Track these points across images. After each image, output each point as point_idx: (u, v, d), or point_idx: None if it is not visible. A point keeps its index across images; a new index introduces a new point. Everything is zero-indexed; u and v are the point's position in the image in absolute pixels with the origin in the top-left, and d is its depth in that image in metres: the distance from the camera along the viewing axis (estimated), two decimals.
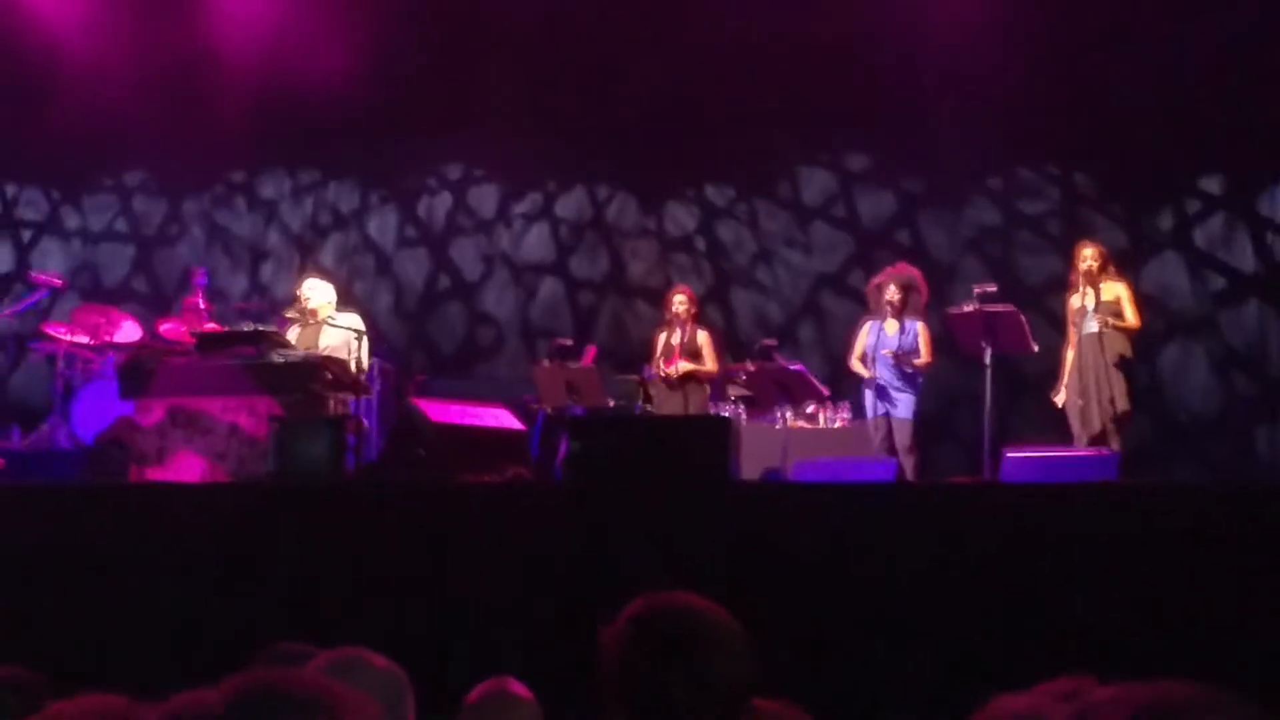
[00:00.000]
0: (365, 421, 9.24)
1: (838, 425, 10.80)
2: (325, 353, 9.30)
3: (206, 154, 13.70)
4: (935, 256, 12.56)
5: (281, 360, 8.86)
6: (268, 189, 14.20)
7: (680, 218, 13.57)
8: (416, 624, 6.44)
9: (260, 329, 9.24)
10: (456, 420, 8.90)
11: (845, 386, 10.94)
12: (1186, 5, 11.92)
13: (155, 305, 12.78)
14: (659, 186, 13.56)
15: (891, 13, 12.46)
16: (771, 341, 11.25)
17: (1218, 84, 11.80)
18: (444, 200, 13.97)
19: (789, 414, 10.43)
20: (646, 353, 10.96)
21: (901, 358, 10.07)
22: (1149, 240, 12.26)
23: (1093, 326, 9.49)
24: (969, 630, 6.46)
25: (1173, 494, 6.62)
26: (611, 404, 10.48)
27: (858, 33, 12.58)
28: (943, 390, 11.42)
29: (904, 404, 10.11)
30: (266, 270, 13.89)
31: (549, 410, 10.71)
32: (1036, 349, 9.72)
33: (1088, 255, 9.60)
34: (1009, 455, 8.51)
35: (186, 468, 8.63)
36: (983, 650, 6.25)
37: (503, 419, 9.36)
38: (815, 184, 13.27)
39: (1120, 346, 9.49)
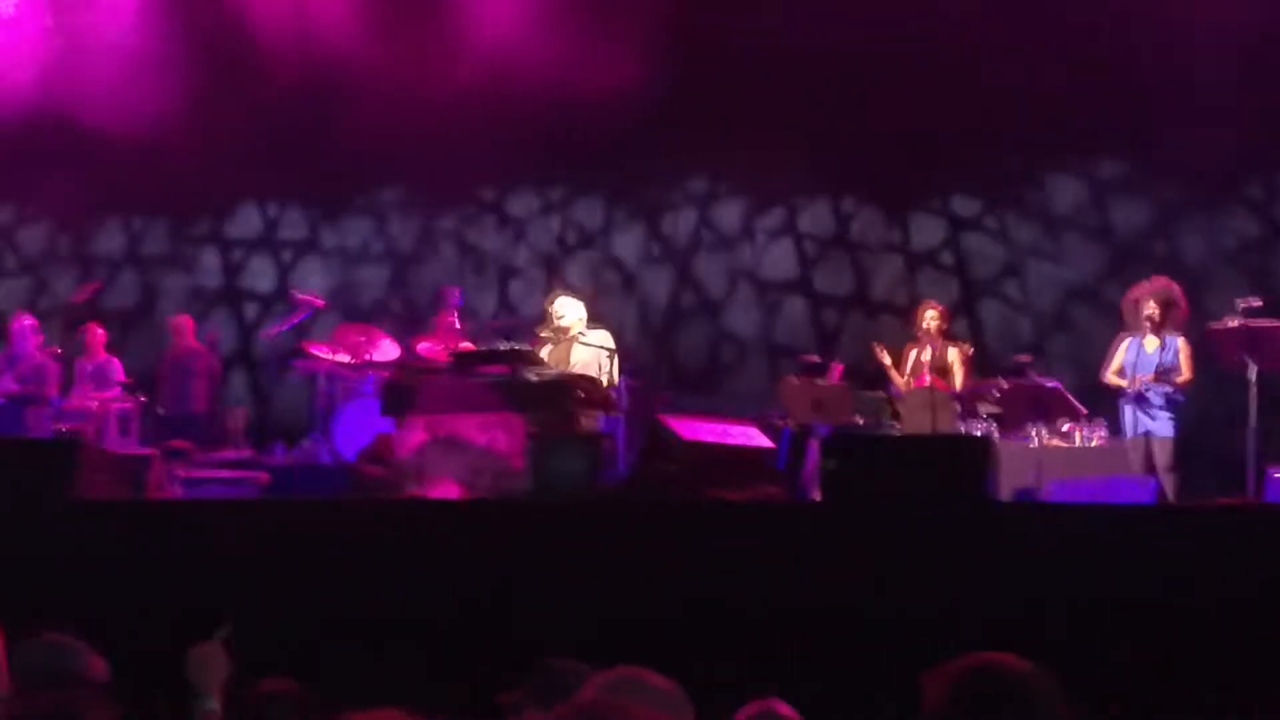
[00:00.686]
0: (615, 439, 9.33)
1: (1094, 444, 10.47)
2: (577, 370, 9.42)
3: (458, 171, 13.99)
4: (1192, 267, 12.12)
5: (536, 378, 9.00)
6: (516, 206, 14.43)
7: (927, 230, 13.36)
8: (674, 639, 6.45)
9: (515, 347, 9.40)
10: (706, 437, 8.89)
11: (1100, 404, 10.61)
12: None
13: (410, 323, 13.08)
14: (905, 198, 13.36)
15: (1146, 14, 12.07)
16: (1026, 357, 10.99)
17: None
18: (689, 216, 14.01)
19: (1043, 432, 10.16)
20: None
21: (1162, 376, 9.75)
22: None
23: None
24: (1243, 656, 6.21)
25: None
26: (859, 421, 10.37)
27: (1109, 35, 12.23)
28: (1203, 407, 10.99)
29: (1165, 422, 9.78)
30: (515, 288, 14.11)
31: (793, 427, 10.65)
32: None
33: None
34: (1275, 475, 8.17)
35: (445, 484, 8.82)
36: (1261, 676, 6.00)
37: (752, 436, 9.33)
38: (1066, 192, 12.93)
39: None
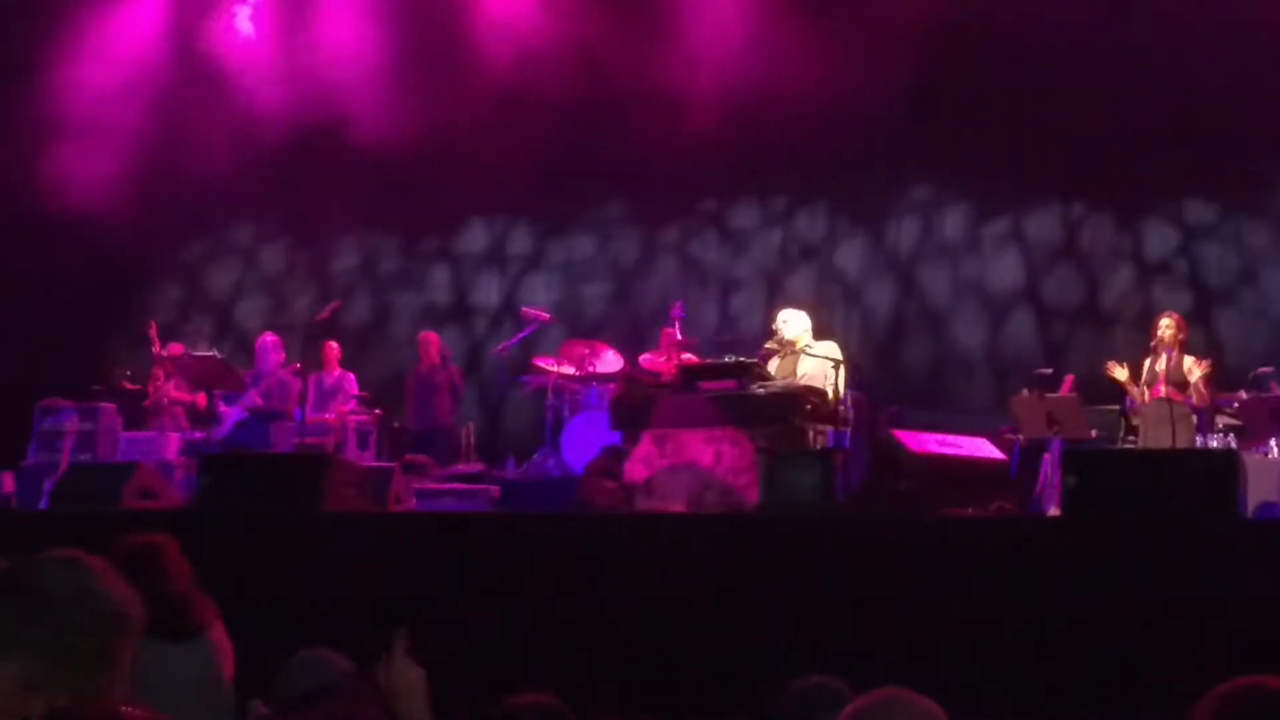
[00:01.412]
0: (844, 453, 9.26)
1: None
2: (804, 382, 9.38)
3: (680, 185, 14.09)
4: None
5: (763, 391, 9.00)
6: (738, 218, 14.45)
7: (1159, 237, 12.98)
8: (915, 655, 6.38)
9: (741, 361, 9.41)
10: (937, 450, 8.77)
11: None
12: None
13: (632, 337, 13.19)
14: (1136, 203, 13.00)
15: None
16: (1268, 369, 10.60)
17: None
18: (911, 225, 13.84)
19: None
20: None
21: None
22: None
23: None
24: None
25: None
26: (1093, 435, 10.12)
27: None
28: None
29: None
30: (736, 301, 14.12)
31: (1024, 441, 10.45)
32: None
33: None
34: None
35: (673, 497, 8.87)
36: None
37: (983, 449, 9.18)
38: None
39: None
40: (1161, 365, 10.21)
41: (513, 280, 14.84)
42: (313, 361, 12.27)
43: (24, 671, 2.37)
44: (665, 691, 6.77)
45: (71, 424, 11.80)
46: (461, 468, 11.31)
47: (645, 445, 9.13)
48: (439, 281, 15.05)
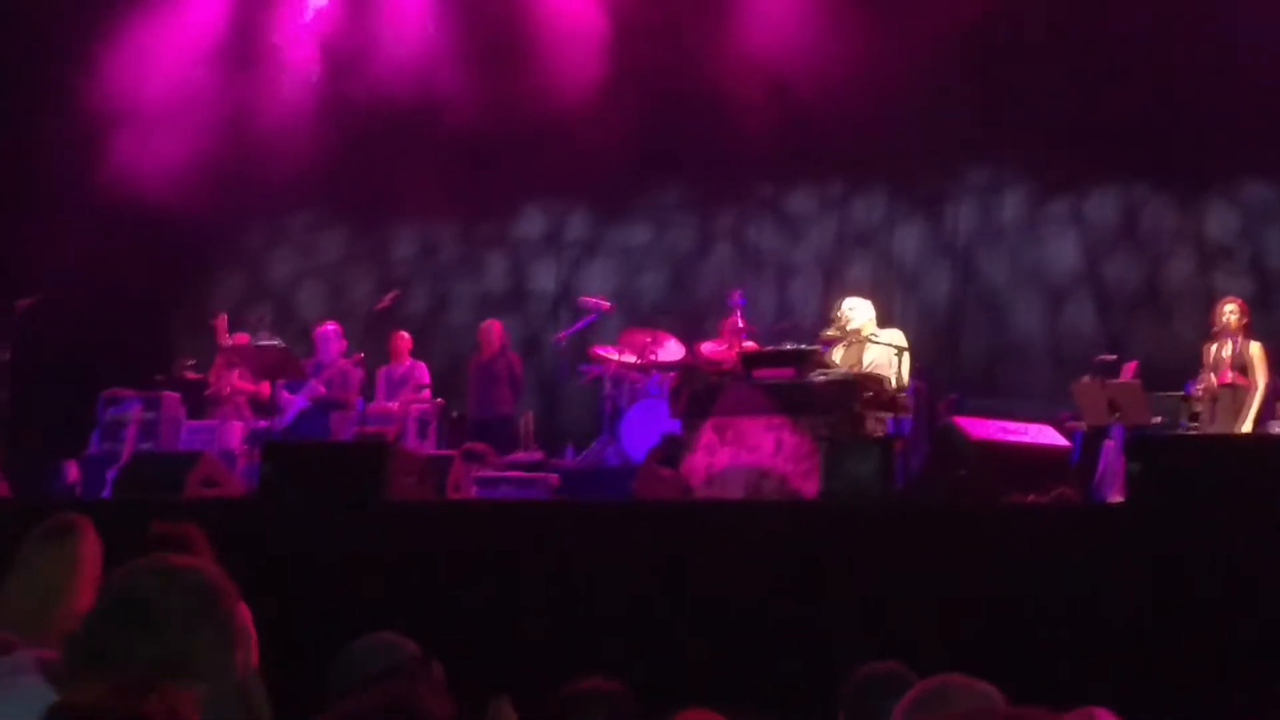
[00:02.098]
0: (905, 440, 9.22)
1: None
2: (870, 370, 9.34)
3: (736, 170, 14.06)
4: None
5: (823, 379, 8.97)
6: (795, 204, 14.39)
7: (1223, 219, 12.82)
8: (978, 645, 6.35)
9: (801, 349, 9.39)
10: (997, 437, 8.72)
11: None
12: None
13: (691, 324, 13.17)
14: (1198, 185, 12.85)
15: None
16: None
17: None
18: (970, 209, 13.74)
19: None
20: (1190, 367, 10.38)
21: None
22: None
23: None
24: None
25: None
26: (1156, 421, 10.02)
27: None
28: None
29: None
30: (795, 287, 14.05)
31: (1085, 428, 10.37)
32: None
33: None
34: None
35: (733, 485, 8.86)
36: None
37: (1043, 436, 9.11)
38: None
39: None
40: (1226, 351, 10.10)
41: (570, 266, 14.85)
42: (374, 351, 12.35)
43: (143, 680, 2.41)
44: (723, 680, 6.76)
45: (135, 413, 11.94)
46: (520, 456, 11.36)
47: (705, 434, 9.12)
48: (497, 269, 15.08)
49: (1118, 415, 9.76)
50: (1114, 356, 10.90)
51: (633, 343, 11.88)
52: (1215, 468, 6.81)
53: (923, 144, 13.39)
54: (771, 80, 12.85)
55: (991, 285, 13.52)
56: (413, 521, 7.86)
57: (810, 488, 8.30)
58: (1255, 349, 10.08)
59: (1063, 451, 9.10)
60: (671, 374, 11.35)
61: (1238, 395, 9.90)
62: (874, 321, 9.77)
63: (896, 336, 9.61)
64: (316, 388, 11.87)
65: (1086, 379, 10.39)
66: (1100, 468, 10.18)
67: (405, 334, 12.49)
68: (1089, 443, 10.43)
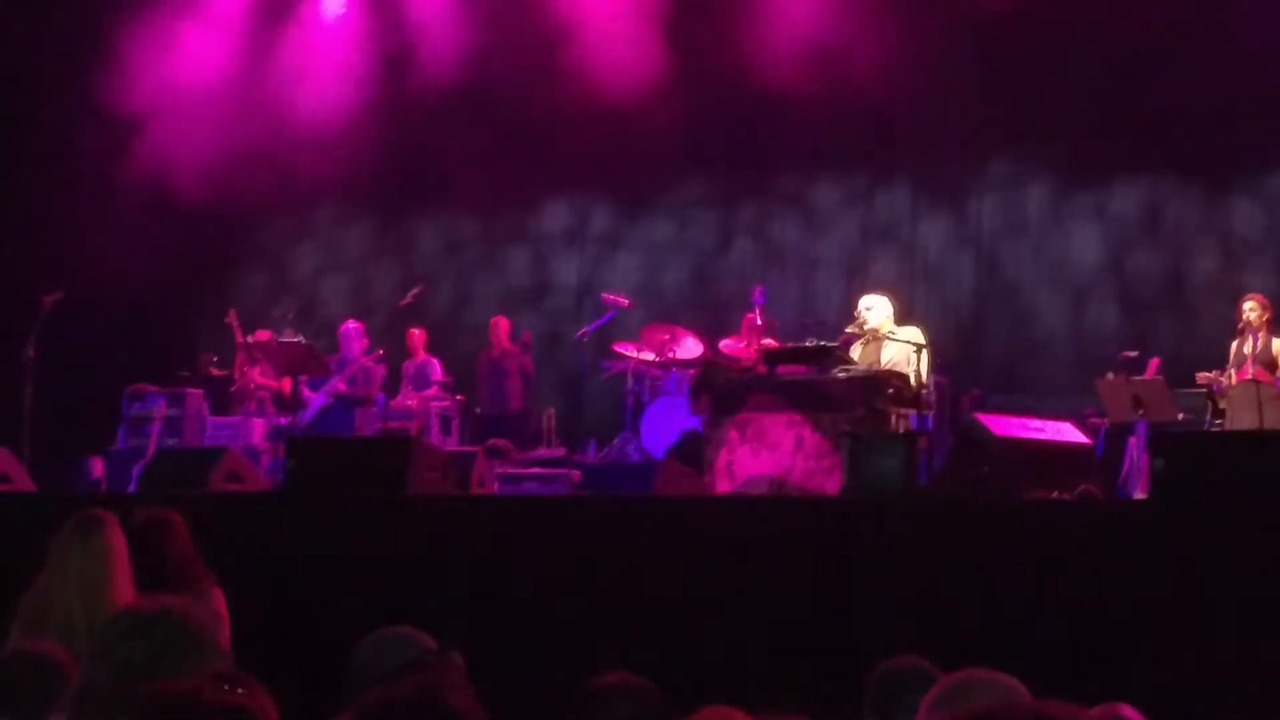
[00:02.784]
0: (928, 436, 9.20)
1: None
2: (888, 367, 9.34)
3: (758, 163, 14.05)
4: None
5: (845, 376, 8.97)
6: (818, 198, 14.36)
7: (1249, 214, 12.75)
8: (1000, 641, 6.34)
9: (822, 345, 9.39)
10: (1020, 434, 8.71)
11: None
12: None
13: (713, 320, 13.15)
14: (1224, 178, 12.78)
15: None
16: None
17: None
18: (993, 201, 13.69)
19: None
20: (1214, 363, 10.33)
21: None
22: None
23: None
24: None
25: None
26: (1180, 418, 9.99)
27: None
28: None
29: None
30: (818, 282, 14.01)
31: (1109, 425, 10.35)
32: None
33: None
34: None
35: (754, 481, 8.86)
36: None
37: (1067, 433, 9.09)
38: None
39: None
40: (1249, 347, 10.06)
41: (592, 262, 14.85)
42: (399, 347, 12.39)
43: None
44: (746, 675, 6.77)
45: (159, 409, 12.01)
46: (543, 452, 11.39)
47: (726, 431, 9.12)
48: (519, 264, 15.10)
49: (1142, 412, 9.73)
50: (1136, 353, 10.88)
51: (652, 340, 11.90)
52: (1240, 464, 6.79)
53: (947, 138, 13.37)
54: (797, 74, 12.82)
55: (1015, 280, 13.48)
56: (436, 516, 7.88)
57: (832, 485, 8.30)
58: (1278, 345, 10.05)
59: (1086, 448, 9.09)
60: (691, 371, 11.35)
61: (1262, 391, 9.87)
62: (891, 319, 9.76)
63: (914, 334, 9.60)
64: (338, 385, 11.92)
65: (1110, 375, 10.37)
66: (1125, 465, 10.15)
67: (419, 330, 12.53)
68: (1113, 439, 10.41)
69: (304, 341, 11.84)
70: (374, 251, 15.38)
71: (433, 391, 12.18)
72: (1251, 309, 10.12)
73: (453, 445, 11.30)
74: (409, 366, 12.44)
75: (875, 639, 6.47)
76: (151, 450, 11.26)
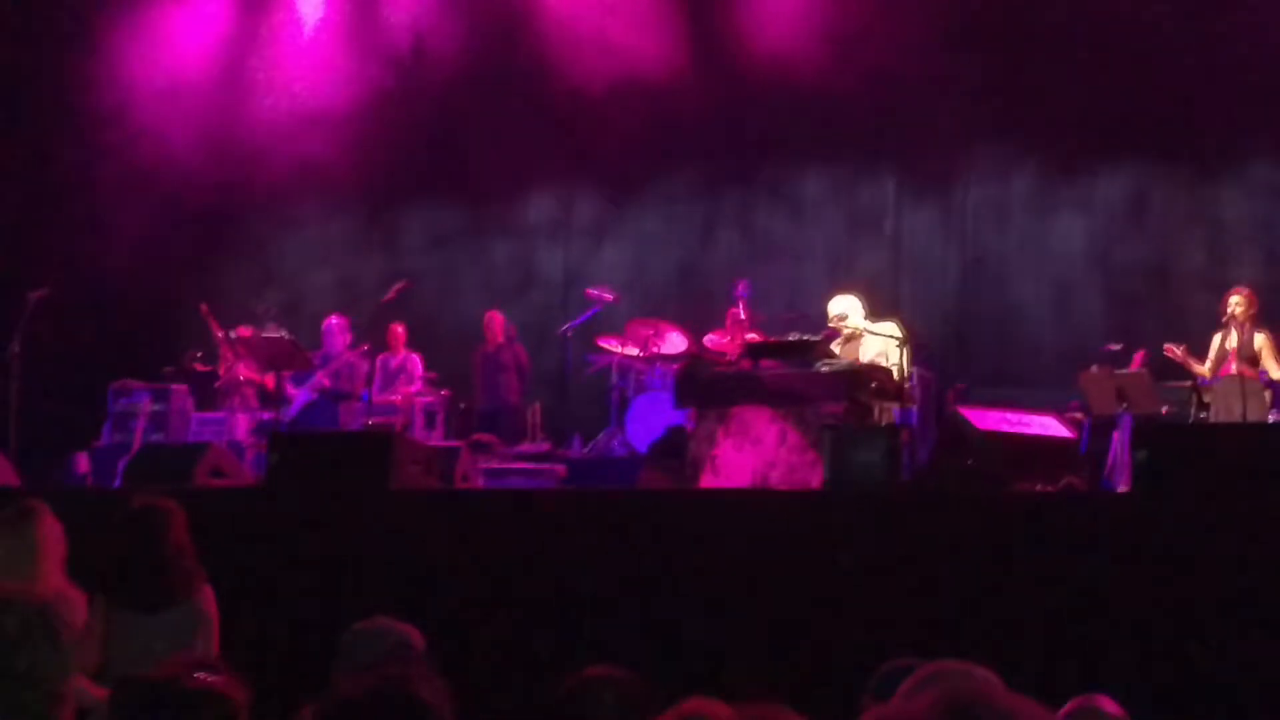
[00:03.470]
0: (911, 430, 9.21)
1: None
2: (868, 361, 9.34)
3: (742, 154, 14.04)
4: None
5: (828, 370, 8.97)
6: (802, 188, 14.32)
7: (1234, 206, 12.75)
8: (984, 633, 6.35)
9: (806, 338, 9.39)
10: (1004, 428, 8.72)
11: None
12: None
13: (698, 314, 13.12)
14: (1212, 165, 12.76)
15: None
16: None
17: None
18: (977, 190, 13.67)
19: None
20: (1199, 356, 10.35)
21: None
22: None
23: None
24: None
25: None
26: (1164, 411, 10.02)
27: None
28: None
29: None
30: (804, 274, 13.97)
31: (1094, 418, 10.37)
32: None
33: None
34: None
35: (738, 475, 8.86)
36: None
37: (1051, 426, 9.11)
38: None
39: None
40: (1232, 341, 10.09)
41: (579, 254, 14.82)
42: (380, 343, 12.38)
43: None
44: (728, 668, 6.77)
45: (144, 405, 12.00)
46: (528, 447, 11.39)
47: (710, 425, 9.11)
48: (504, 257, 15.04)
49: (1126, 405, 9.76)
50: (1120, 346, 10.89)
51: (635, 335, 11.90)
52: (1223, 456, 6.81)
53: (933, 130, 13.35)
54: (783, 65, 12.82)
55: (1001, 273, 13.48)
56: (418, 511, 7.88)
57: (815, 479, 8.30)
58: (1261, 340, 10.06)
59: (1070, 442, 9.10)
60: (676, 365, 11.35)
61: (1246, 385, 9.89)
62: (864, 316, 9.75)
63: (893, 328, 9.60)
64: (322, 380, 11.92)
65: (1095, 368, 10.40)
66: (1110, 458, 10.17)
67: (400, 326, 12.54)
68: (1098, 433, 10.43)
69: (286, 336, 11.82)
70: (359, 245, 15.33)
71: (416, 387, 12.18)
72: (1237, 303, 10.13)
73: (437, 440, 11.30)
74: (389, 362, 12.43)
75: (859, 632, 6.49)
76: (136, 445, 11.25)
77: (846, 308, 9.75)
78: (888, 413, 9.04)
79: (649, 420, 11.14)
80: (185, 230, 14.63)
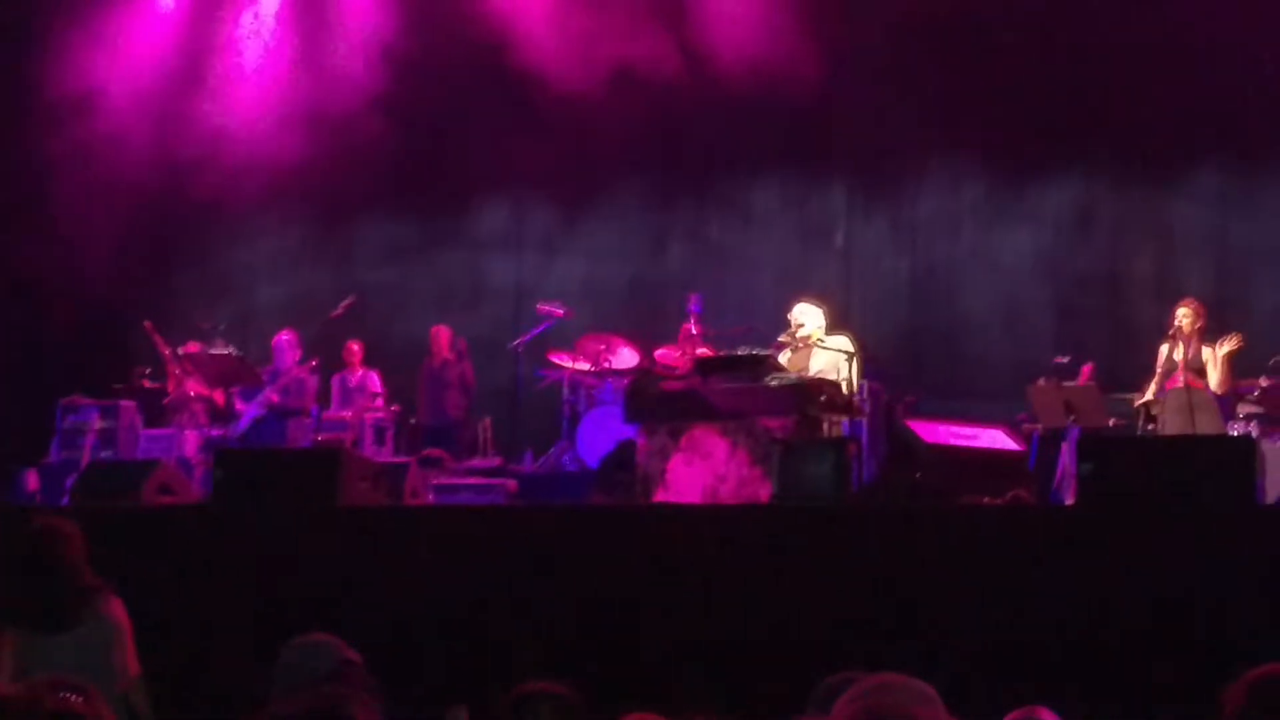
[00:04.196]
0: (859, 444, 9.24)
1: None
2: (817, 375, 9.38)
3: (695, 165, 14.07)
4: None
5: (776, 384, 9.00)
6: (754, 200, 14.34)
7: (1184, 220, 12.84)
8: (931, 646, 6.37)
9: (755, 353, 9.42)
10: (951, 441, 8.79)
11: None
12: None
13: (650, 326, 13.09)
14: (1163, 175, 12.85)
15: None
16: None
17: None
18: (928, 200, 13.70)
19: None
20: (1146, 369, 10.41)
21: None
22: None
23: None
24: None
25: None
26: (1111, 423, 10.08)
27: None
28: None
29: None
30: (756, 286, 13.97)
31: (1042, 430, 10.43)
32: None
33: None
34: None
35: (689, 490, 8.87)
36: None
37: (999, 439, 9.17)
38: None
39: None
40: (1179, 354, 10.14)
41: (532, 268, 14.79)
42: (330, 358, 12.32)
43: None
44: (678, 683, 6.76)
45: (93, 421, 11.92)
46: (478, 462, 11.37)
47: (661, 439, 9.12)
48: (455, 270, 15.00)
49: (1074, 417, 9.81)
50: (1068, 359, 10.94)
51: (587, 350, 11.89)
52: (1168, 469, 6.85)
53: (883, 142, 13.41)
54: (734, 77, 12.85)
55: (951, 285, 13.52)
56: (366, 527, 7.84)
57: (765, 492, 8.32)
58: (1208, 353, 10.10)
59: (1017, 455, 9.16)
60: (626, 380, 11.34)
61: (1194, 397, 9.93)
62: (823, 329, 9.80)
63: (844, 342, 9.64)
64: (270, 396, 11.86)
65: (1042, 381, 10.45)
66: (1058, 471, 10.22)
67: (357, 343, 12.49)
68: (1047, 446, 10.47)
69: (234, 353, 11.77)
70: (310, 259, 15.25)
71: (379, 404, 12.15)
72: (1185, 315, 10.17)
73: (387, 456, 11.25)
74: (348, 379, 12.38)
75: (807, 646, 6.49)
76: (85, 462, 11.17)
77: (806, 318, 9.79)
78: (837, 426, 9.07)
79: (601, 435, 11.13)
80: (135, 245, 14.52)
